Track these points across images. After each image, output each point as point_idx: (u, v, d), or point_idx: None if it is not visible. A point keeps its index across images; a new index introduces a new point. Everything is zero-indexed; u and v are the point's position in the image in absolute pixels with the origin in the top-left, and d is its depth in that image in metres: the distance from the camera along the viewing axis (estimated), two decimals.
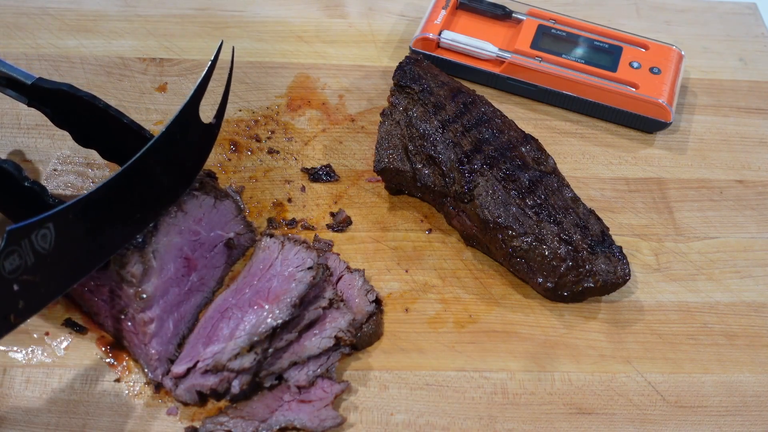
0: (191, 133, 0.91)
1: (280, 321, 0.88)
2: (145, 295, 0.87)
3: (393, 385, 0.94)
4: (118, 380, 0.91)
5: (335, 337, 0.91)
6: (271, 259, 0.97)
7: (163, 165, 0.88)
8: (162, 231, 0.90)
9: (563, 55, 1.21)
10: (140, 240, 0.88)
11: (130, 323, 0.90)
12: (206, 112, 0.93)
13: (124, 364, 0.93)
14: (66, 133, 1.00)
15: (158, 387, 0.91)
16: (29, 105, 0.99)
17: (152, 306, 0.89)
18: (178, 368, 0.89)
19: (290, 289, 0.91)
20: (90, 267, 0.85)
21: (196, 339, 0.92)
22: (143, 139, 0.93)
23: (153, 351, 0.90)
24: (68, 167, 1.08)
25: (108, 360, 0.93)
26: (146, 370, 0.91)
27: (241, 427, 0.87)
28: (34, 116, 1.07)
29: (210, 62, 0.89)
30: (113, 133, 0.97)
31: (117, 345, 0.94)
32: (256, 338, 0.87)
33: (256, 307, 0.91)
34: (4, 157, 1.07)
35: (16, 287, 0.76)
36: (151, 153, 0.85)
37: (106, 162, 1.07)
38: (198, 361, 0.89)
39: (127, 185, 0.84)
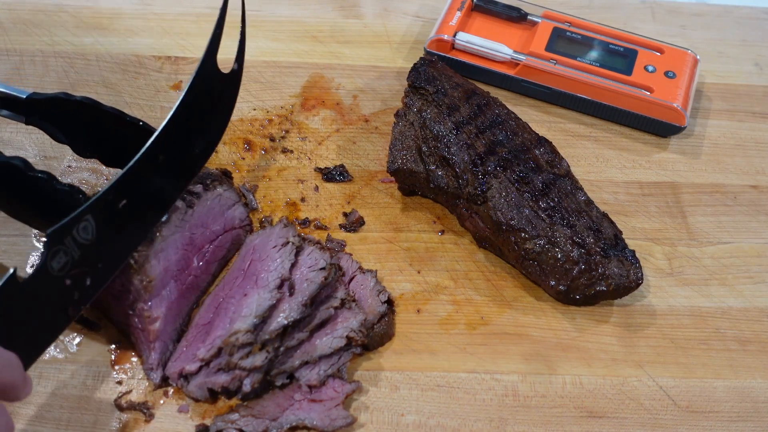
0: (213, 86, 0.94)
1: (291, 320, 0.89)
2: (150, 281, 0.88)
3: (404, 386, 0.94)
4: (119, 382, 0.92)
5: (347, 337, 0.92)
6: (253, 243, 0.99)
7: (191, 125, 0.90)
8: (170, 226, 0.90)
9: (578, 58, 1.21)
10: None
11: (137, 319, 0.91)
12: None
13: (133, 360, 0.93)
14: None
15: (162, 383, 0.91)
16: (27, 123, 0.98)
17: (157, 304, 0.89)
18: (188, 366, 0.90)
19: (302, 289, 0.91)
20: (134, 246, 0.88)
21: (194, 335, 0.93)
22: (147, 134, 0.93)
23: (156, 349, 0.91)
24: (82, 164, 1.08)
25: (114, 357, 0.93)
26: (148, 368, 0.91)
27: (252, 425, 0.87)
28: None
29: (220, 11, 0.91)
30: (115, 135, 0.97)
31: (127, 342, 0.94)
32: (257, 320, 0.88)
33: (247, 293, 0.92)
34: (18, 154, 1.07)
35: (68, 282, 0.78)
36: (177, 117, 0.87)
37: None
38: (210, 359, 0.89)
39: (158, 156, 0.86)
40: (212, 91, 0.94)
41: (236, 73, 0.98)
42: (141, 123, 0.95)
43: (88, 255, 0.80)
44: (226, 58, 0.94)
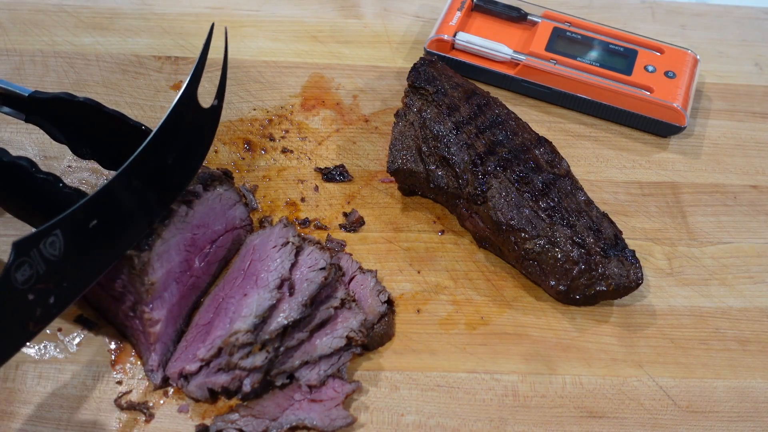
0: (193, 119, 0.91)
1: (291, 320, 0.89)
2: (152, 284, 0.88)
3: (404, 386, 0.94)
4: (119, 382, 0.92)
5: (347, 337, 0.92)
6: (253, 243, 0.99)
7: (167, 155, 0.88)
8: (171, 228, 0.90)
9: (578, 58, 1.21)
10: (150, 236, 0.88)
11: (138, 321, 0.91)
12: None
13: (132, 360, 0.93)
14: None
15: (163, 384, 0.91)
16: (27, 120, 0.98)
17: (158, 306, 0.89)
18: (188, 366, 0.90)
19: (302, 289, 0.91)
20: (102, 268, 0.85)
21: (194, 335, 0.93)
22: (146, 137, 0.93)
23: (157, 350, 0.91)
24: (82, 164, 1.08)
25: (114, 357, 0.93)
26: (149, 369, 0.91)
27: (252, 425, 0.87)
28: None
29: (203, 47, 0.89)
30: (115, 138, 0.96)
31: (126, 342, 0.94)
32: (257, 320, 0.88)
33: (247, 293, 0.91)
34: (18, 154, 1.07)
35: (31, 296, 0.76)
36: (154, 145, 0.85)
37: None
38: (210, 359, 0.89)
39: (132, 181, 0.84)
40: (192, 123, 0.92)
41: (215, 109, 0.96)
42: (143, 127, 0.95)
43: (53, 271, 0.77)
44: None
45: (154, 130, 0.84)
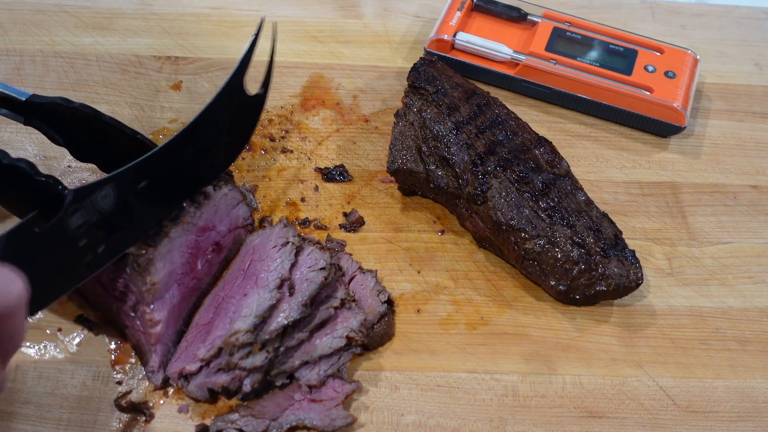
0: (238, 104, 0.97)
1: (291, 320, 0.89)
2: (154, 284, 0.88)
3: (404, 386, 0.94)
4: (119, 383, 0.92)
5: (347, 337, 0.92)
6: (253, 243, 0.99)
7: (214, 133, 0.94)
8: (177, 227, 0.90)
9: (578, 58, 1.21)
10: (155, 235, 0.88)
11: (138, 322, 0.90)
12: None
13: (133, 361, 0.93)
14: None
15: (163, 385, 0.91)
16: (26, 123, 0.98)
17: (159, 307, 0.89)
18: (188, 366, 0.90)
19: (302, 289, 0.91)
20: (142, 233, 0.89)
21: (194, 335, 0.93)
22: (142, 145, 0.94)
23: (158, 351, 0.91)
24: (82, 164, 1.08)
25: (114, 357, 0.93)
26: (149, 370, 0.91)
27: (252, 425, 0.87)
28: None
29: (253, 36, 0.94)
30: (111, 144, 0.97)
31: (126, 342, 0.94)
32: (257, 320, 0.88)
33: (247, 293, 0.91)
34: (17, 155, 1.07)
35: (82, 242, 0.81)
36: (200, 122, 0.90)
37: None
38: (210, 359, 0.89)
39: (178, 153, 0.89)
40: (238, 107, 0.97)
41: (260, 97, 1.01)
42: (139, 136, 0.95)
43: (104, 223, 0.83)
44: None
45: (204, 106, 0.90)
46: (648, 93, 1.18)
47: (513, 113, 1.10)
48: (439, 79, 1.10)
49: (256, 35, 0.94)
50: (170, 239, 0.89)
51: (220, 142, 0.96)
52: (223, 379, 0.88)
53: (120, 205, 0.84)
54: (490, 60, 1.24)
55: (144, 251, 0.87)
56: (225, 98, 0.93)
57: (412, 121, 1.07)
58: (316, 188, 1.10)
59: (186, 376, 0.90)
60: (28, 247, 0.76)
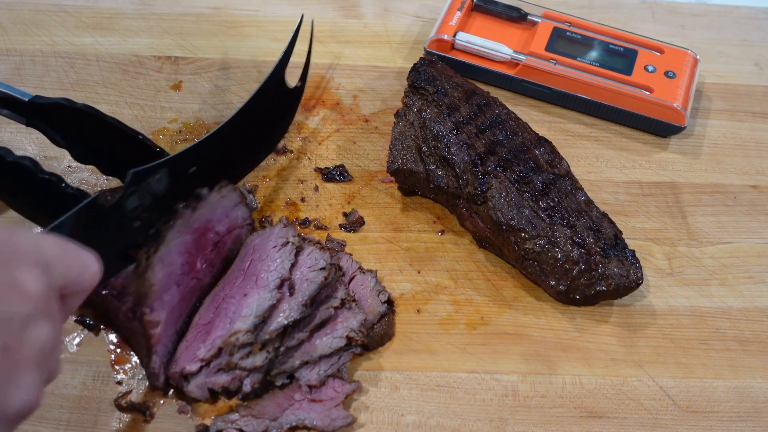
0: (278, 96, 1.05)
1: (291, 320, 0.89)
2: (152, 285, 0.88)
3: (404, 386, 0.94)
4: (119, 383, 0.92)
5: (347, 337, 0.92)
6: (253, 243, 0.99)
7: (256, 124, 1.01)
8: (174, 230, 0.90)
9: (578, 58, 1.21)
10: (155, 236, 0.89)
11: (138, 323, 0.90)
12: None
13: (133, 361, 0.93)
14: None
15: (164, 386, 0.91)
16: (28, 125, 0.98)
17: (159, 308, 0.89)
18: (189, 366, 0.90)
19: (302, 289, 0.91)
20: None
21: (194, 336, 0.93)
22: (144, 146, 0.95)
23: (158, 352, 0.91)
24: (82, 164, 1.08)
25: (114, 357, 0.93)
26: (150, 371, 0.91)
27: (252, 425, 0.87)
28: None
29: (294, 31, 1.01)
30: (114, 145, 0.97)
31: (125, 343, 0.94)
32: (257, 320, 0.88)
33: (247, 293, 0.92)
34: (19, 153, 1.07)
35: (136, 224, 0.85)
36: (245, 112, 0.96)
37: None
38: (210, 359, 0.89)
39: (225, 140, 0.95)
40: (278, 98, 1.06)
41: (299, 90, 1.11)
42: (140, 136, 0.96)
43: (156, 206, 0.86)
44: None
45: (248, 97, 0.97)
46: (648, 93, 1.18)
47: (513, 113, 1.10)
48: (439, 79, 1.10)
49: (296, 31, 1.00)
50: (168, 241, 0.89)
51: (263, 130, 1.01)
52: (223, 379, 0.88)
53: (171, 188, 0.87)
54: (490, 60, 1.24)
55: (144, 252, 0.87)
56: (267, 90, 0.97)
57: (412, 121, 1.07)
58: (316, 188, 1.10)
59: (186, 376, 0.90)
60: (90, 226, 0.78)
